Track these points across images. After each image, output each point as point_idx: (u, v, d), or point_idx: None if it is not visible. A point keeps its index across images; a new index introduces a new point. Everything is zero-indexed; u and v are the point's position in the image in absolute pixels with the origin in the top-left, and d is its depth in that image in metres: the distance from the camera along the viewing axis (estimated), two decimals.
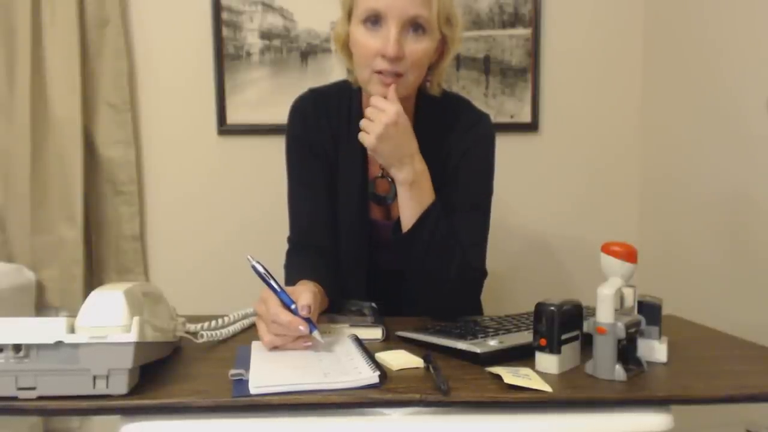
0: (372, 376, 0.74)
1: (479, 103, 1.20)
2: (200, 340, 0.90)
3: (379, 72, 1.00)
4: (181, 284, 1.61)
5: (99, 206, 1.86)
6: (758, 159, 1.42)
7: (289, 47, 1.88)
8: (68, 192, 1.78)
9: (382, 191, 1.15)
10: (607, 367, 0.76)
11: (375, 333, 0.95)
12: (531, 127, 1.95)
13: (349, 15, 1.05)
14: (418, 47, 1.00)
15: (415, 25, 0.99)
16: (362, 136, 1.01)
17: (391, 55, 0.98)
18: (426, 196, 1.04)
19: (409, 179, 1.02)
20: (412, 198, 1.03)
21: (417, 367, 0.81)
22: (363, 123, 1.02)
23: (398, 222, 1.06)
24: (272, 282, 0.87)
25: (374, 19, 0.99)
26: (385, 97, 1.00)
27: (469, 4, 1.89)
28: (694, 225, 1.66)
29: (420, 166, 1.03)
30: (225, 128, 1.89)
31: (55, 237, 1.80)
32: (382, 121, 0.98)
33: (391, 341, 0.94)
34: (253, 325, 0.98)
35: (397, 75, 1.00)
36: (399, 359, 0.82)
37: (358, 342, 0.89)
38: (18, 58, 1.75)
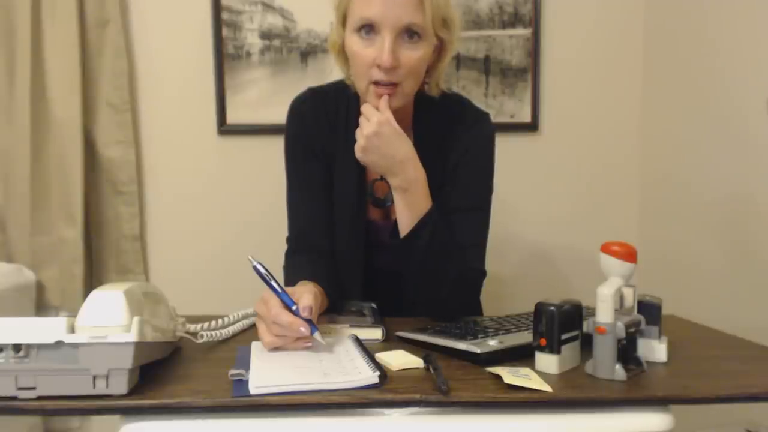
0: (372, 376, 0.74)
1: (479, 103, 1.20)
2: (200, 341, 0.90)
3: (376, 83, 1.00)
4: (181, 284, 1.60)
5: (99, 206, 1.86)
6: (758, 159, 1.42)
7: (289, 47, 1.88)
8: (68, 192, 1.78)
9: (381, 193, 1.14)
10: (607, 366, 0.76)
11: (375, 333, 0.95)
12: (531, 127, 1.95)
13: (343, 21, 1.05)
14: (414, 55, 1.00)
15: (410, 33, 0.99)
16: (356, 147, 1.02)
17: (386, 66, 0.97)
18: (421, 203, 1.03)
19: (402, 186, 1.02)
20: (406, 205, 1.03)
21: (417, 367, 0.80)
22: (357, 132, 1.02)
23: (396, 225, 1.06)
24: (273, 283, 0.87)
25: (368, 29, 0.99)
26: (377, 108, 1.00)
27: (469, 4, 1.89)
28: (694, 225, 1.66)
29: (413, 173, 1.02)
30: (225, 128, 1.89)
31: (55, 237, 1.80)
32: (363, 133, 0.99)
33: (390, 341, 0.94)
34: (253, 326, 0.98)
35: (393, 85, 1.00)
36: (399, 359, 0.82)
37: (358, 342, 0.89)
38: (18, 58, 1.75)
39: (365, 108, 1.02)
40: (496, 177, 1.15)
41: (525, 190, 1.96)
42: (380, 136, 0.99)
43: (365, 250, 1.15)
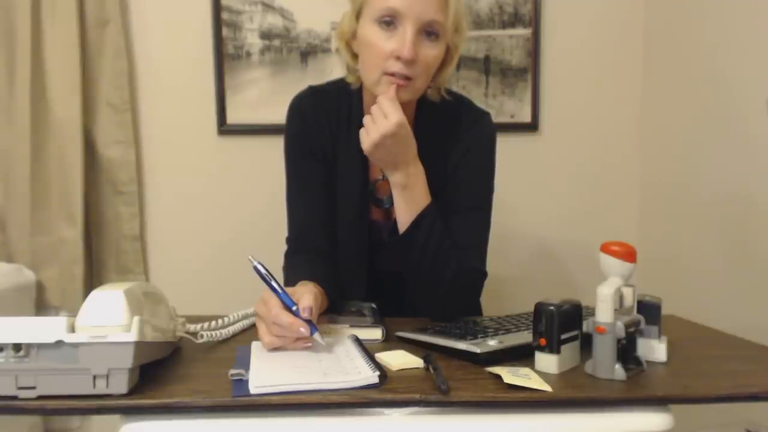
0: (372, 376, 0.74)
1: (479, 103, 1.20)
2: (200, 340, 0.90)
3: (391, 74, 0.99)
4: (181, 284, 1.61)
5: (99, 206, 1.86)
6: (758, 159, 1.42)
7: (289, 47, 1.88)
8: (68, 192, 1.78)
9: (382, 194, 1.14)
10: (606, 366, 0.76)
11: (375, 333, 0.95)
12: (531, 127, 1.95)
13: (358, 12, 1.04)
14: (431, 52, 1.00)
15: (430, 30, 0.99)
16: (362, 135, 1.01)
17: (407, 57, 0.97)
18: (420, 199, 1.03)
19: (402, 182, 1.02)
20: (405, 201, 1.03)
21: (417, 367, 0.81)
22: (366, 121, 1.00)
23: (395, 224, 1.05)
24: (273, 283, 0.87)
25: (390, 19, 0.98)
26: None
27: (469, 4, 1.89)
28: (694, 225, 1.66)
29: (415, 169, 1.02)
30: (225, 128, 1.89)
31: (55, 237, 1.80)
32: (380, 131, 0.97)
33: (390, 341, 0.94)
34: (253, 326, 0.98)
35: (407, 78, 1.00)
36: (399, 359, 0.82)
37: (358, 342, 0.89)
38: (18, 58, 1.75)
39: (385, 102, 0.98)
40: (497, 177, 1.15)
41: (525, 189, 1.96)
42: (396, 137, 0.98)
43: (368, 251, 1.15)
